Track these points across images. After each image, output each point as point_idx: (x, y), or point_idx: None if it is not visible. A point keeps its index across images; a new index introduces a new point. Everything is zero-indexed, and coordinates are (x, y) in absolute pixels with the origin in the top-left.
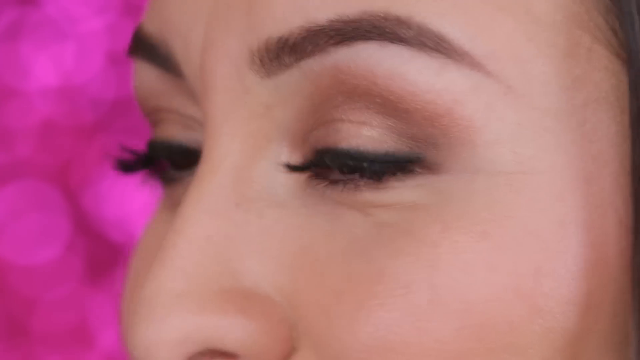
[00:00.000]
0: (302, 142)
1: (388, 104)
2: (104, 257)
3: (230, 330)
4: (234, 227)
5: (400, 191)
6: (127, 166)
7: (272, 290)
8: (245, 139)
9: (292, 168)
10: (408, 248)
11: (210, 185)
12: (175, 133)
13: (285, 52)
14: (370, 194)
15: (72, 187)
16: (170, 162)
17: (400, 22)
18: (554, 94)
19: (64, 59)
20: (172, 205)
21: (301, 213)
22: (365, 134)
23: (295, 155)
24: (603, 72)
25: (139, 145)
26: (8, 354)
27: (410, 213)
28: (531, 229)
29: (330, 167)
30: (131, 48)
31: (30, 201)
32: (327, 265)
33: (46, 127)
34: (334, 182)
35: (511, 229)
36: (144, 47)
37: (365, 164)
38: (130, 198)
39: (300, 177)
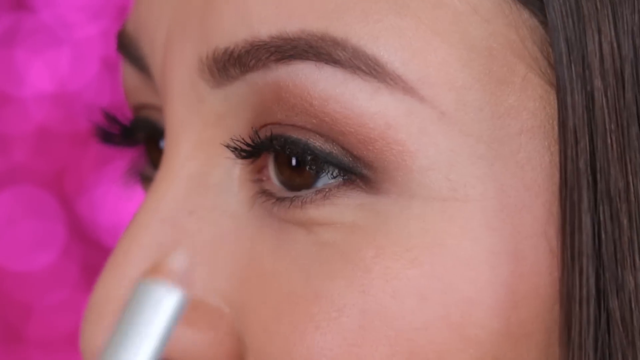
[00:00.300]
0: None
1: (324, 125)
2: (99, 263)
3: (176, 340)
4: (186, 235)
5: (342, 209)
6: (107, 135)
7: (221, 301)
8: (200, 148)
9: (241, 152)
10: (343, 271)
11: (165, 193)
12: (153, 114)
13: (231, 63)
14: (314, 211)
15: (68, 193)
16: (149, 146)
17: (336, 43)
18: (487, 121)
19: (59, 65)
20: None
21: (252, 224)
22: (313, 134)
23: (243, 144)
24: (538, 101)
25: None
26: (4, 359)
27: (349, 234)
28: (462, 258)
29: (277, 150)
30: (117, 46)
31: (25, 207)
32: (271, 282)
33: (41, 133)
34: (281, 200)
35: (442, 258)
36: (124, 46)
37: (309, 157)
38: (126, 204)
39: (251, 190)
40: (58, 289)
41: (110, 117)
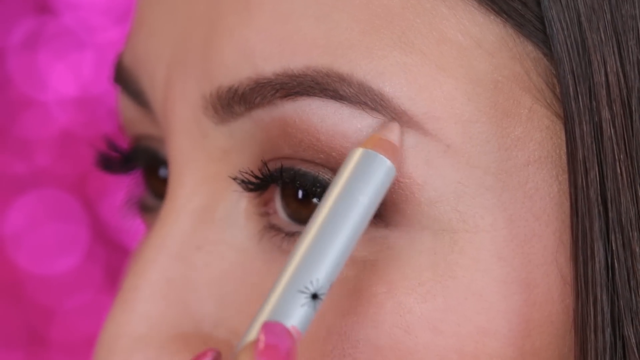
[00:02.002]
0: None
1: (331, 160)
2: (123, 266)
3: None
4: (195, 270)
5: None
6: (107, 162)
7: (230, 335)
8: (205, 182)
9: (248, 184)
10: (356, 308)
11: (172, 228)
12: (153, 144)
13: (236, 101)
14: None
15: (91, 196)
16: (148, 175)
17: (341, 79)
18: (494, 153)
19: (82, 69)
20: None
21: (259, 258)
22: (321, 168)
23: (252, 177)
24: (544, 132)
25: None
26: None
27: (360, 270)
28: (474, 290)
29: (287, 182)
30: (113, 76)
31: (48, 210)
32: None
33: (64, 137)
34: (290, 235)
35: (454, 290)
36: (122, 80)
37: (318, 189)
38: None
39: (259, 224)
40: (81, 291)
41: (111, 144)
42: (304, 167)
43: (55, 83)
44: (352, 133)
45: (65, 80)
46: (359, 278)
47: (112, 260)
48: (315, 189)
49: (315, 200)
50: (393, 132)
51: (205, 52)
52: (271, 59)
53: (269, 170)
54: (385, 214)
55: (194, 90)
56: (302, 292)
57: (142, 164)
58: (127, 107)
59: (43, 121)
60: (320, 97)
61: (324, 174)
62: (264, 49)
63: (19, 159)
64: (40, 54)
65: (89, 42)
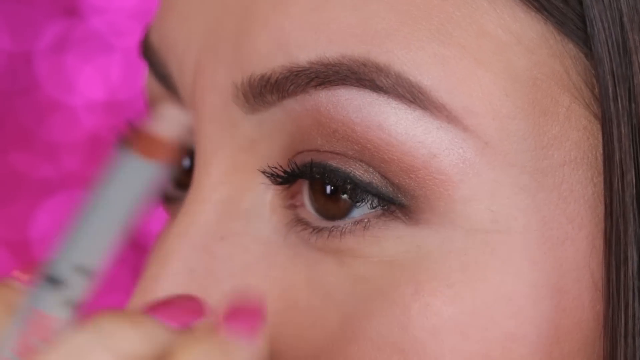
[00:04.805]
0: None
1: (366, 152)
2: None
3: None
4: (218, 261)
5: (382, 242)
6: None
7: None
8: (232, 172)
9: (277, 177)
10: (382, 309)
11: (196, 218)
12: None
13: (268, 90)
14: (354, 243)
15: None
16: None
17: (379, 69)
18: (531, 152)
19: (110, 72)
20: None
21: (284, 252)
22: (354, 162)
23: (280, 171)
24: (582, 132)
25: None
26: None
27: (387, 270)
28: (504, 293)
29: (316, 178)
30: (141, 50)
31: None
32: (307, 318)
33: (92, 140)
34: (319, 229)
35: (484, 293)
36: (149, 56)
37: (349, 186)
38: None
39: (285, 217)
40: (109, 294)
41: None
42: (335, 162)
43: (83, 87)
44: (389, 125)
45: (93, 83)
46: (385, 278)
47: (139, 263)
48: (346, 185)
49: (344, 196)
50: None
51: (238, 39)
52: (306, 47)
53: (297, 165)
54: (416, 211)
55: (224, 78)
56: (44, 275)
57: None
58: (153, 87)
59: (71, 124)
60: (357, 86)
61: (355, 170)
62: (298, 37)
63: (47, 162)
64: (68, 58)
65: (117, 46)
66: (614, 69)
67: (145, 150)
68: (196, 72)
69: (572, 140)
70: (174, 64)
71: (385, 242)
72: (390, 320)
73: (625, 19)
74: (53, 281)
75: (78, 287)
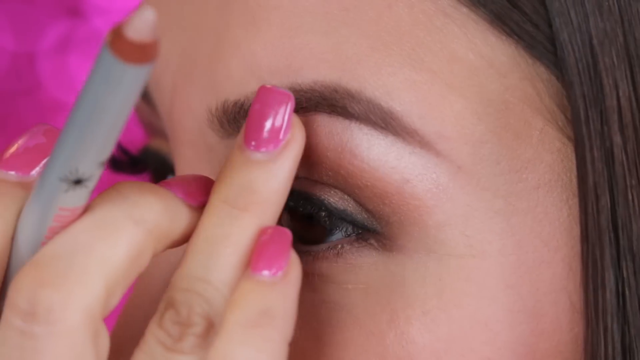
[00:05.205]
0: None
1: (339, 178)
2: None
3: None
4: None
5: (356, 270)
6: (115, 163)
7: None
8: None
9: None
10: (358, 339)
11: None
12: (165, 147)
13: (242, 115)
14: (326, 269)
15: None
16: (157, 179)
17: (350, 95)
18: (504, 175)
19: None
20: None
21: None
22: (329, 189)
23: None
24: (555, 154)
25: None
26: None
27: (362, 298)
28: (479, 319)
29: (291, 206)
30: None
31: None
32: None
33: None
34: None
35: (459, 319)
36: None
37: (323, 213)
38: None
39: None
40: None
41: (120, 147)
42: (310, 190)
43: None
44: (361, 151)
45: None
46: (360, 306)
47: None
48: (320, 213)
49: (321, 223)
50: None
51: (212, 64)
52: (278, 74)
53: None
54: (391, 238)
55: (199, 102)
56: (63, 180)
57: (152, 168)
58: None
59: None
60: (329, 112)
61: (329, 197)
62: (270, 64)
63: None
64: (71, 58)
65: None
66: (585, 91)
67: (126, 54)
68: (172, 94)
69: (545, 162)
70: (152, 84)
71: (359, 269)
72: (367, 350)
73: (595, 41)
74: (79, 182)
75: (95, 179)
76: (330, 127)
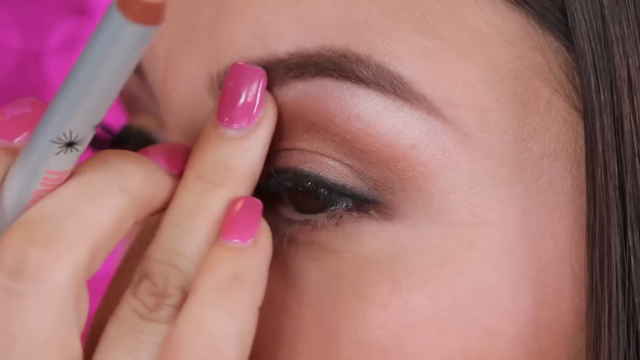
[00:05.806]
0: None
1: (345, 143)
2: None
3: None
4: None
5: (355, 239)
6: (97, 142)
7: None
8: None
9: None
10: (358, 308)
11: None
12: (148, 125)
13: None
14: (325, 236)
15: None
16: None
17: (359, 60)
18: (510, 144)
19: None
20: None
21: None
22: (327, 162)
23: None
24: (561, 124)
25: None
26: None
27: (362, 267)
28: (482, 288)
29: (286, 187)
30: None
31: None
32: (283, 317)
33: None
34: (290, 222)
35: (462, 288)
36: None
37: (322, 190)
38: None
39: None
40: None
41: (102, 125)
42: (308, 167)
43: None
44: (369, 116)
45: None
46: (360, 275)
47: None
48: (319, 190)
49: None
50: None
51: (214, 29)
52: (284, 38)
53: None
54: (392, 206)
55: (198, 68)
56: (56, 142)
57: (133, 146)
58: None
59: None
60: (336, 78)
61: (328, 173)
62: (276, 28)
63: None
64: (77, 57)
65: None
66: (596, 61)
67: (134, 14)
68: (168, 61)
69: (551, 132)
70: (146, 56)
71: (359, 237)
72: (368, 319)
73: (606, 11)
74: (71, 145)
75: (86, 143)
76: (337, 93)
